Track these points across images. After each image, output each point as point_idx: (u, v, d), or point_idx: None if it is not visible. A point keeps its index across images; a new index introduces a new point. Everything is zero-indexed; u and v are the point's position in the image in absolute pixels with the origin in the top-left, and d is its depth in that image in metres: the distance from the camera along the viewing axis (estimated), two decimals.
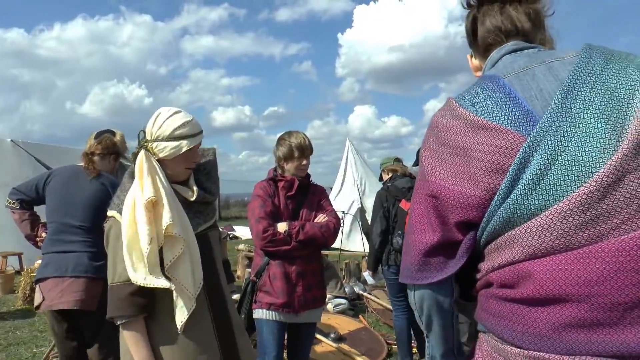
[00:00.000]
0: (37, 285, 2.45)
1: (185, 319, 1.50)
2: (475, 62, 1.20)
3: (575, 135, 0.82)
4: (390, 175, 3.84)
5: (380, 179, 4.14)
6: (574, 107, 0.84)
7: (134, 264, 1.46)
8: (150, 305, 1.51)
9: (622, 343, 0.77)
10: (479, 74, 1.17)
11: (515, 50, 1.04)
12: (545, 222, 0.83)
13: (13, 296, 6.13)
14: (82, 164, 2.60)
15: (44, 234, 2.62)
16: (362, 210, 10.71)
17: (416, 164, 4.38)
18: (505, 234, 0.88)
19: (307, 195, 2.57)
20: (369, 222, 4.07)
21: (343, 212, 10.11)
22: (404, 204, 3.54)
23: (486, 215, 0.90)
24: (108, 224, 1.58)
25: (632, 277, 0.77)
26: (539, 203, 0.83)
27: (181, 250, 1.51)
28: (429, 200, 0.97)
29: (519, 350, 0.86)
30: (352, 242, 10.06)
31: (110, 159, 2.71)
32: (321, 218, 2.50)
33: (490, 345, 0.93)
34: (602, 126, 0.81)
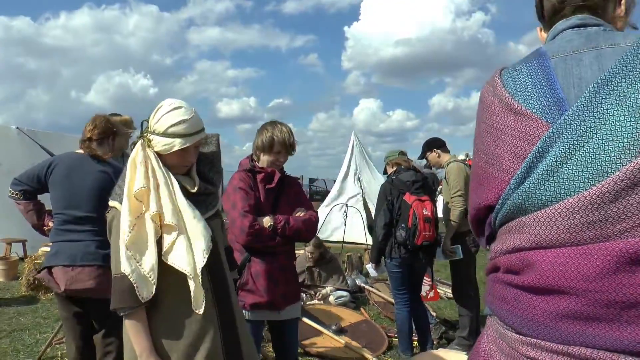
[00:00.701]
0: (47, 270, 2.41)
1: (202, 298, 1.49)
2: (543, 34, 1.14)
3: (599, 131, 0.79)
4: (394, 168, 3.83)
5: (385, 172, 4.13)
6: (606, 102, 0.80)
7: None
8: (152, 296, 1.50)
9: (616, 339, 0.77)
10: None
11: (578, 26, 0.98)
12: (553, 215, 0.82)
13: (17, 283, 6.16)
14: (80, 151, 2.54)
15: (50, 223, 2.58)
16: (365, 203, 10.70)
17: (421, 157, 4.36)
18: (517, 219, 0.88)
19: (284, 188, 2.43)
20: (372, 214, 4.06)
21: (346, 204, 10.10)
22: (407, 197, 3.53)
23: (501, 198, 0.90)
24: (110, 214, 1.58)
25: (629, 278, 0.76)
26: (550, 195, 0.83)
27: (175, 236, 1.50)
28: (474, 176, 1.04)
29: (518, 336, 0.87)
30: (355, 234, 10.05)
31: (109, 141, 2.56)
32: (300, 212, 2.37)
33: (494, 330, 0.95)
34: (632, 125, 0.77)
